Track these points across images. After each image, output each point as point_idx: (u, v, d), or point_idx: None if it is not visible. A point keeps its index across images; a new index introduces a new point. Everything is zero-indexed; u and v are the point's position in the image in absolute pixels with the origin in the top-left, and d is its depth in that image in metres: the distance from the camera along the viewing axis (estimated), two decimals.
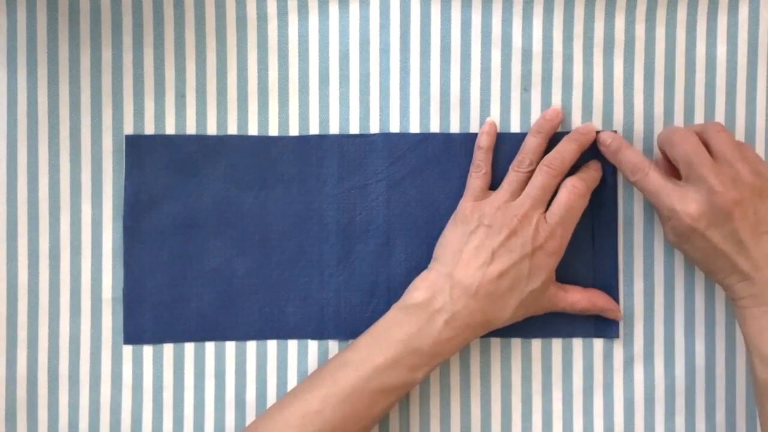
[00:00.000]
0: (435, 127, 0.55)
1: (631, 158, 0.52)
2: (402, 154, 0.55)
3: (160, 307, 0.55)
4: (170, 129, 0.55)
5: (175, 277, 0.55)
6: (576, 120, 0.55)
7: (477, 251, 0.51)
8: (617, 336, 0.55)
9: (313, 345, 0.55)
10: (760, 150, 0.55)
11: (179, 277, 0.55)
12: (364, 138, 0.55)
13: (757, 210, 0.49)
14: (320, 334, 0.55)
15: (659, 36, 0.55)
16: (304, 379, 0.52)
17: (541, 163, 0.53)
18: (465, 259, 0.51)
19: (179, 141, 0.55)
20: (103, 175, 0.55)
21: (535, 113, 0.55)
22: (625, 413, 0.55)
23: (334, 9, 0.55)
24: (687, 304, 0.55)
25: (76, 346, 0.55)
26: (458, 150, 0.55)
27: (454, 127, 0.55)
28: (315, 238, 0.55)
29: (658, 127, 0.55)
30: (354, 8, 0.55)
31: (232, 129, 0.55)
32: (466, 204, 0.53)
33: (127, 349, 0.55)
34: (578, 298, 0.53)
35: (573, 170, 0.54)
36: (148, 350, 0.55)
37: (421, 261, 0.55)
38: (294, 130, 0.56)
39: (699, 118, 0.55)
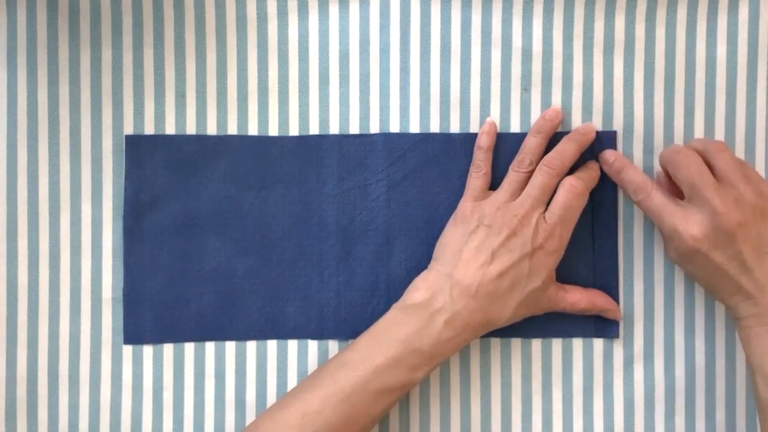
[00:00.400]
0: (435, 127, 0.55)
1: (633, 178, 0.52)
2: (402, 154, 0.55)
3: (160, 307, 0.55)
4: (170, 129, 0.55)
5: (175, 277, 0.55)
6: (576, 120, 0.55)
7: (477, 251, 0.51)
8: (617, 336, 0.55)
9: (313, 345, 0.55)
10: (760, 150, 0.55)
11: (179, 277, 0.55)
12: (364, 138, 0.55)
13: (760, 231, 0.49)
14: (320, 334, 0.55)
15: (659, 36, 0.55)
16: (304, 379, 0.52)
17: (540, 163, 0.53)
18: (465, 259, 0.51)
19: (179, 141, 0.55)
20: (103, 175, 0.55)
21: (535, 113, 0.55)
22: (625, 413, 0.55)
23: (334, 9, 0.55)
24: (687, 304, 0.55)
25: (76, 346, 0.55)
26: (458, 150, 0.55)
27: (454, 127, 0.55)
28: (315, 238, 0.55)
29: (659, 127, 0.55)
30: (354, 8, 0.55)
31: (232, 129, 0.55)
32: (466, 204, 0.53)
33: (127, 349, 0.55)
34: (578, 298, 0.54)
35: (572, 170, 0.54)
36: (148, 350, 0.55)
37: (421, 261, 0.55)
38: (294, 130, 0.56)
39: (699, 118, 0.55)
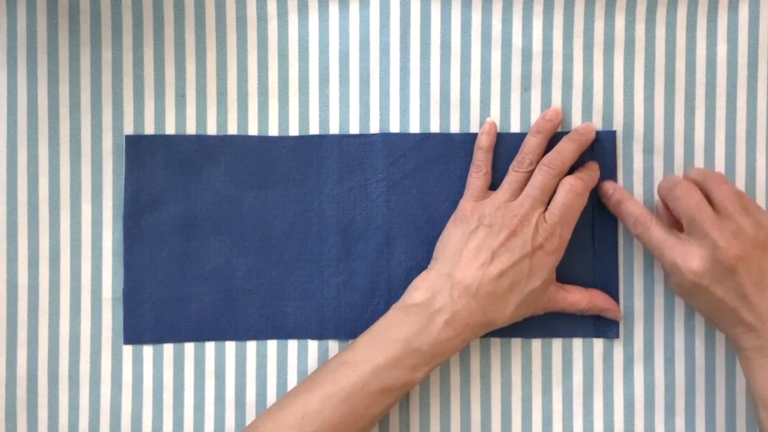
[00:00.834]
0: (435, 127, 0.55)
1: (633, 211, 0.52)
2: (402, 154, 0.55)
3: (160, 307, 0.55)
4: (170, 129, 0.55)
5: (175, 277, 0.55)
6: (576, 120, 0.55)
7: (477, 251, 0.51)
8: (617, 336, 0.55)
9: (313, 345, 0.55)
10: (761, 150, 0.55)
11: (179, 277, 0.55)
12: (364, 138, 0.55)
13: (760, 264, 0.49)
14: (320, 334, 0.55)
15: (659, 36, 0.55)
16: (304, 379, 0.52)
17: (540, 162, 0.53)
18: (465, 259, 0.51)
19: (179, 141, 0.55)
20: (103, 175, 0.55)
21: (535, 113, 0.55)
22: (625, 413, 0.55)
23: (334, 9, 0.55)
24: (687, 304, 0.55)
25: (76, 346, 0.55)
26: (458, 150, 0.55)
27: (454, 127, 0.55)
28: (315, 238, 0.55)
29: (659, 127, 0.55)
30: (354, 8, 0.55)
31: (232, 129, 0.55)
32: (466, 204, 0.53)
33: (127, 349, 0.55)
34: (578, 298, 0.54)
35: (572, 170, 0.54)
36: (148, 350, 0.55)
37: (421, 261, 0.55)
38: (294, 130, 0.56)
39: (700, 118, 0.55)
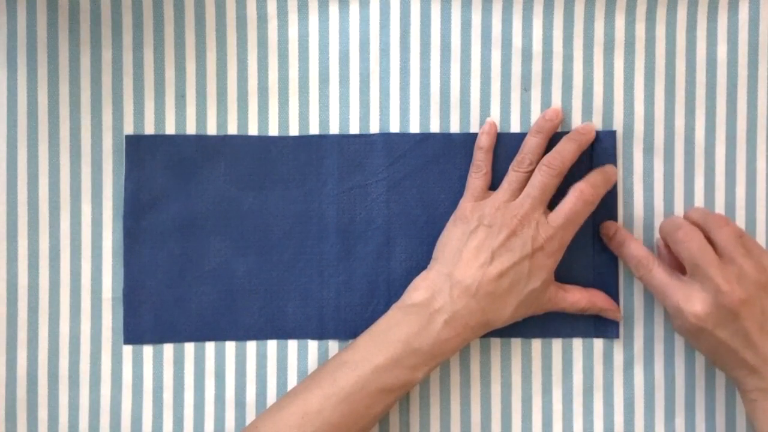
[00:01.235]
0: (435, 127, 0.55)
1: (635, 253, 0.52)
2: (402, 154, 0.55)
3: (160, 307, 0.55)
4: (170, 129, 0.55)
5: (175, 277, 0.55)
6: (576, 120, 0.55)
7: (477, 251, 0.51)
8: (617, 336, 0.55)
9: (313, 345, 0.55)
10: (761, 150, 0.55)
11: (179, 277, 0.55)
12: (364, 138, 0.55)
13: (764, 307, 0.49)
14: (320, 334, 0.55)
15: (659, 36, 0.55)
16: (304, 379, 0.52)
17: (540, 162, 0.53)
18: (465, 258, 0.51)
19: (179, 141, 0.55)
20: (103, 175, 0.55)
21: (535, 113, 0.55)
22: (625, 413, 0.55)
23: (334, 9, 0.55)
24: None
25: (76, 346, 0.55)
26: (458, 150, 0.55)
27: (454, 127, 0.55)
28: (315, 238, 0.55)
29: (659, 127, 0.55)
30: (354, 8, 0.55)
31: (232, 129, 0.55)
32: (466, 204, 0.53)
33: (127, 349, 0.55)
34: (578, 298, 0.53)
35: (572, 171, 0.53)
36: (148, 350, 0.55)
37: (421, 261, 0.55)
38: (294, 130, 0.56)
39: (700, 118, 0.55)
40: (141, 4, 0.55)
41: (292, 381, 0.55)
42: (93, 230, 0.55)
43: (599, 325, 0.55)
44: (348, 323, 0.55)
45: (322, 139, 0.55)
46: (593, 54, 0.55)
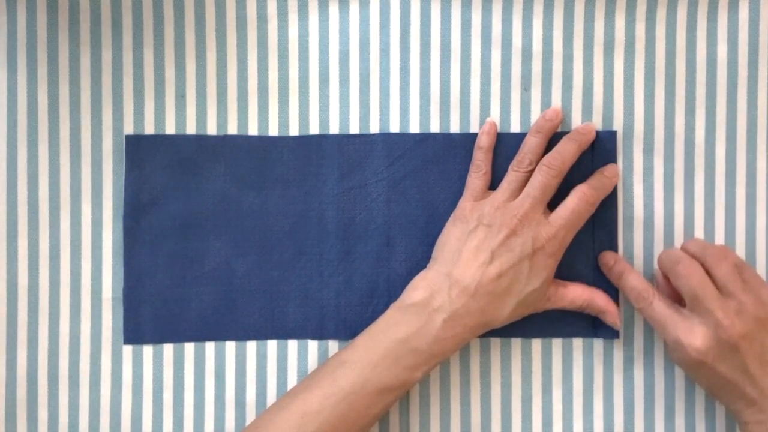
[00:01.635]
0: (435, 127, 0.55)
1: (635, 285, 0.53)
2: (402, 154, 0.55)
3: (160, 307, 0.55)
4: (170, 129, 0.55)
5: (175, 277, 0.55)
6: (576, 120, 0.55)
7: (476, 251, 0.51)
8: (617, 336, 0.55)
9: (313, 345, 0.55)
10: (761, 150, 0.55)
11: (179, 277, 0.55)
12: (364, 138, 0.55)
13: (763, 341, 0.49)
14: (320, 334, 0.55)
15: (659, 36, 0.55)
16: (304, 378, 0.52)
17: (540, 163, 0.53)
18: (464, 258, 0.51)
19: (179, 141, 0.55)
20: (103, 175, 0.55)
21: (535, 113, 0.55)
22: (625, 413, 0.55)
23: (334, 9, 0.55)
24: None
25: (76, 346, 0.55)
26: (458, 150, 0.55)
27: (454, 127, 0.55)
28: (315, 238, 0.55)
29: (659, 127, 0.55)
30: (354, 8, 0.55)
31: (232, 129, 0.55)
32: (465, 204, 0.53)
33: (127, 349, 0.55)
34: (577, 295, 0.53)
35: (572, 171, 0.53)
36: (148, 350, 0.55)
37: (421, 261, 0.55)
38: (294, 130, 0.56)
39: (700, 118, 0.55)
40: (141, 4, 0.55)
41: (292, 381, 0.55)
42: (93, 230, 0.55)
43: (599, 325, 0.55)
44: (348, 323, 0.55)
45: (322, 139, 0.55)
46: (593, 54, 0.55)
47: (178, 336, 0.55)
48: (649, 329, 0.55)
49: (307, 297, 0.55)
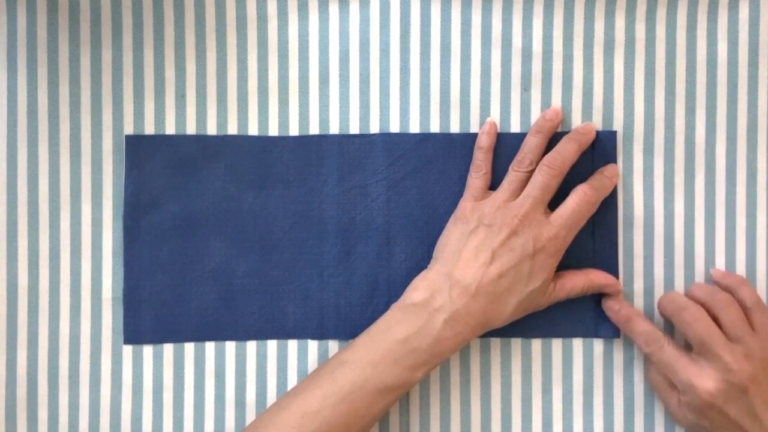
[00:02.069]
0: (435, 127, 0.55)
1: (643, 329, 0.53)
2: (402, 154, 0.55)
3: (160, 307, 0.55)
4: (170, 129, 0.55)
5: (175, 277, 0.55)
6: (576, 120, 0.55)
7: (477, 251, 0.51)
8: (617, 336, 0.55)
9: (313, 345, 0.55)
10: (762, 150, 0.55)
11: (179, 277, 0.55)
12: (364, 138, 0.55)
13: None
14: (320, 334, 0.55)
15: (659, 36, 0.55)
16: (304, 378, 0.52)
17: (541, 162, 0.53)
18: (465, 258, 0.51)
19: (179, 141, 0.55)
20: (103, 175, 0.55)
21: (535, 113, 0.55)
22: (625, 413, 0.55)
23: (334, 9, 0.55)
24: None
25: (76, 346, 0.55)
26: (458, 150, 0.55)
27: (454, 127, 0.55)
28: (315, 238, 0.55)
29: (659, 127, 0.55)
30: (354, 8, 0.55)
31: (232, 129, 0.55)
32: (465, 204, 0.53)
33: (127, 349, 0.55)
34: (575, 281, 0.53)
35: (572, 171, 0.53)
36: (148, 350, 0.55)
37: (421, 261, 0.55)
38: (294, 130, 0.56)
39: (700, 118, 0.55)
40: (141, 4, 0.55)
41: (292, 381, 0.55)
42: (93, 230, 0.55)
43: (599, 325, 0.55)
44: (348, 323, 0.55)
45: (322, 139, 0.55)
46: (593, 54, 0.55)
47: (178, 336, 0.55)
48: None
49: (307, 297, 0.55)
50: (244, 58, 0.55)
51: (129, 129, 0.55)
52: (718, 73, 0.55)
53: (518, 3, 0.55)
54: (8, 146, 0.55)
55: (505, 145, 0.55)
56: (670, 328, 0.55)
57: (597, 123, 0.55)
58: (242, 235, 0.55)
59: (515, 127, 0.55)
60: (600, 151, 0.55)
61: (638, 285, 0.55)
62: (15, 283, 0.55)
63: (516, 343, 0.56)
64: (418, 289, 0.51)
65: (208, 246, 0.55)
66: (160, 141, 0.55)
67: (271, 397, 0.55)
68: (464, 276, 0.51)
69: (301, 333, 0.55)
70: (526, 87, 0.55)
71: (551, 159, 0.53)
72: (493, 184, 0.54)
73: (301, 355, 0.55)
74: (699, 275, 0.55)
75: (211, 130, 0.55)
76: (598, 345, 0.55)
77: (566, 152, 0.53)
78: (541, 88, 0.55)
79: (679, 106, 0.55)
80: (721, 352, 0.50)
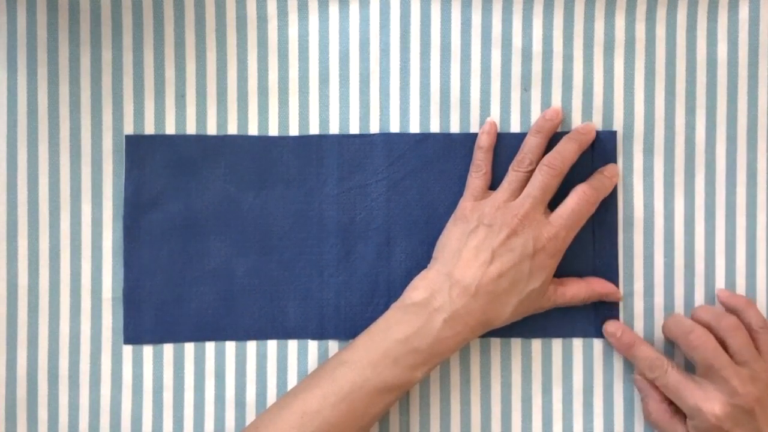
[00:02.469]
0: (435, 127, 0.55)
1: (647, 355, 0.53)
2: (402, 154, 0.55)
3: (160, 307, 0.55)
4: (170, 129, 0.55)
5: (175, 277, 0.55)
6: (576, 120, 0.55)
7: (477, 251, 0.51)
8: None
9: (313, 345, 0.55)
10: (762, 150, 0.55)
11: (179, 277, 0.55)
12: (364, 138, 0.55)
13: None
14: (320, 334, 0.55)
15: (659, 36, 0.55)
16: (303, 378, 0.52)
17: (541, 162, 0.53)
18: (465, 258, 0.51)
19: (179, 141, 0.55)
20: (103, 175, 0.55)
21: (535, 113, 0.55)
22: (625, 413, 0.55)
23: (334, 9, 0.55)
24: (687, 304, 0.55)
25: (76, 346, 0.55)
26: (458, 150, 0.55)
27: (454, 127, 0.55)
28: (315, 238, 0.55)
29: (659, 127, 0.55)
30: (354, 8, 0.55)
31: (232, 129, 0.55)
32: (465, 203, 0.53)
33: (127, 349, 0.55)
34: (577, 289, 0.53)
35: (572, 171, 0.53)
36: (148, 350, 0.55)
37: (421, 261, 0.55)
38: (294, 130, 0.56)
39: (700, 118, 0.55)
40: (141, 4, 0.55)
41: (292, 381, 0.55)
42: (93, 230, 0.55)
43: (599, 325, 0.55)
44: (348, 323, 0.55)
45: (322, 139, 0.55)
46: (593, 54, 0.55)
47: (178, 336, 0.55)
48: (649, 329, 0.55)
49: (307, 297, 0.55)
50: (244, 58, 0.55)
51: (129, 129, 0.55)
52: (718, 73, 0.55)
53: (518, 3, 0.55)
54: (8, 146, 0.55)
55: (505, 145, 0.55)
56: (669, 346, 0.56)
57: (597, 123, 0.55)
58: (242, 235, 0.55)
59: (515, 127, 0.55)
60: (600, 151, 0.55)
61: (638, 285, 0.55)
62: (15, 283, 0.55)
63: (516, 343, 0.56)
64: (418, 289, 0.51)
65: (208, 246, 0.55)
66: (160, 141, 0.55)
67: (271, 397, 0.55)
68: (464, 276, 0.51)
69: (301, 333, 0.55)
70: (526, 87, 0.55)
71: (551, 159, 0.53)
72: (493, 184, 0.54)
73: (301, 355, 0.55)
74: (699, 275, 0.55)
75: (211, 130, 0.55)
76: (598, 345, 0.55)
77: (566, 152, 0.53)
78: (541, 88, 0.55)
79: (679, 106, 0.55)
80: (728, 376, 0.50)
